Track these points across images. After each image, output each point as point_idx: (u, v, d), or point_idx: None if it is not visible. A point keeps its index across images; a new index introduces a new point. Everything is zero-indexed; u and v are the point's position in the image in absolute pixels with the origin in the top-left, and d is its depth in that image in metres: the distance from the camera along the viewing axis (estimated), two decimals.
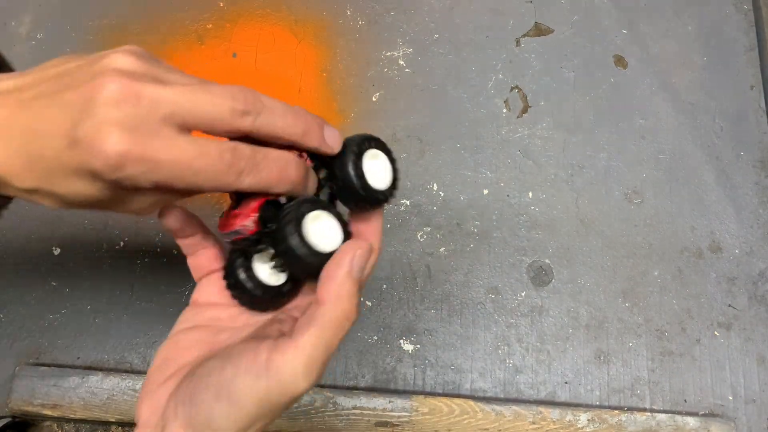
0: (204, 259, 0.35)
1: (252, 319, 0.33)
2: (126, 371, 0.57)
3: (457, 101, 0.68)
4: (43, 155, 0.25)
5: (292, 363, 0.27)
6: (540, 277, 0.61)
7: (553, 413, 0.56)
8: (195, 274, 0.35)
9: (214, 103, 0.26)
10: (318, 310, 0.28)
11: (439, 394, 0.57)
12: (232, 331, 0.33)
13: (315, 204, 0.30)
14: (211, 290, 0.34)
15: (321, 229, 0.30)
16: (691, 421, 0.56)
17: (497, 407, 0.56)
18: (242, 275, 0.32)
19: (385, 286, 0.61)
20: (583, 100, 0.68)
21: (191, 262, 0.35)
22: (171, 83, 0.26)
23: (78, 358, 0.58)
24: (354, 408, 0.56)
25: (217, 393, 0.27)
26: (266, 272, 0.33)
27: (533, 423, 0.55)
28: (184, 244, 0.34)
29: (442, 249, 0.62)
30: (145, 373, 0.56)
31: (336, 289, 0.28)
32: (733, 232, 0.63)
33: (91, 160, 0.24)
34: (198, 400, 0.27)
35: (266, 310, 0.33)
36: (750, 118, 0.68)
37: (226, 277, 0.33)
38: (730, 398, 0.58)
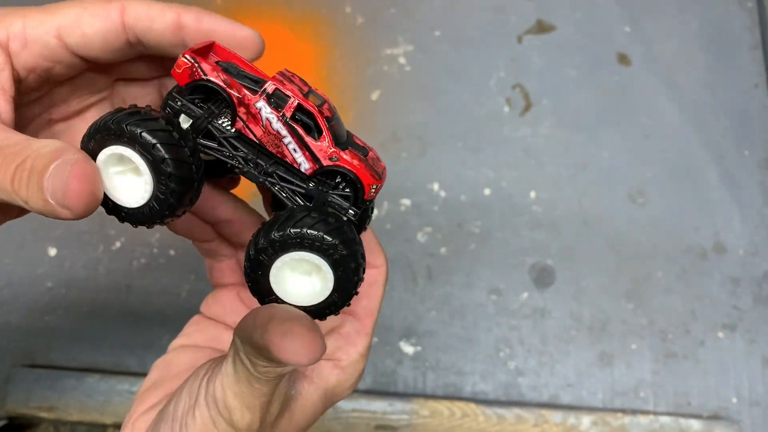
0: (222, 268, 0.32)
1: None
2: (122, 373, 0.57)
3: (458, 99, 0.67)
4: None
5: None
6: (542, 278, 0.61)
7: (556, 416, 0.55)
8: (211, 280, 0.33)
9: None
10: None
11: (440, 397, 0.56)
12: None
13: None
14: (219, 305, 0.32)
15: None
16: (695, 424, 0.55)
17: (499, 410, 0.55)
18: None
19: None
20: (586, 99, 0.67)
21: (209, 264, 0.33)
22: None
23: (74, 359, 0.57)
24: (353, 411, 0.55)
25: None
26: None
27: (535, 426, 0.55)
28: (200, 247, 0.32)
29: (443, 249, 0.61)
30: (141, 375, 0.56)
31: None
32: (737, 232, 0.63)
33: None
34: None
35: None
36: (754, 116, 0.67)
37: None
38: (735, 400, 0.57)
